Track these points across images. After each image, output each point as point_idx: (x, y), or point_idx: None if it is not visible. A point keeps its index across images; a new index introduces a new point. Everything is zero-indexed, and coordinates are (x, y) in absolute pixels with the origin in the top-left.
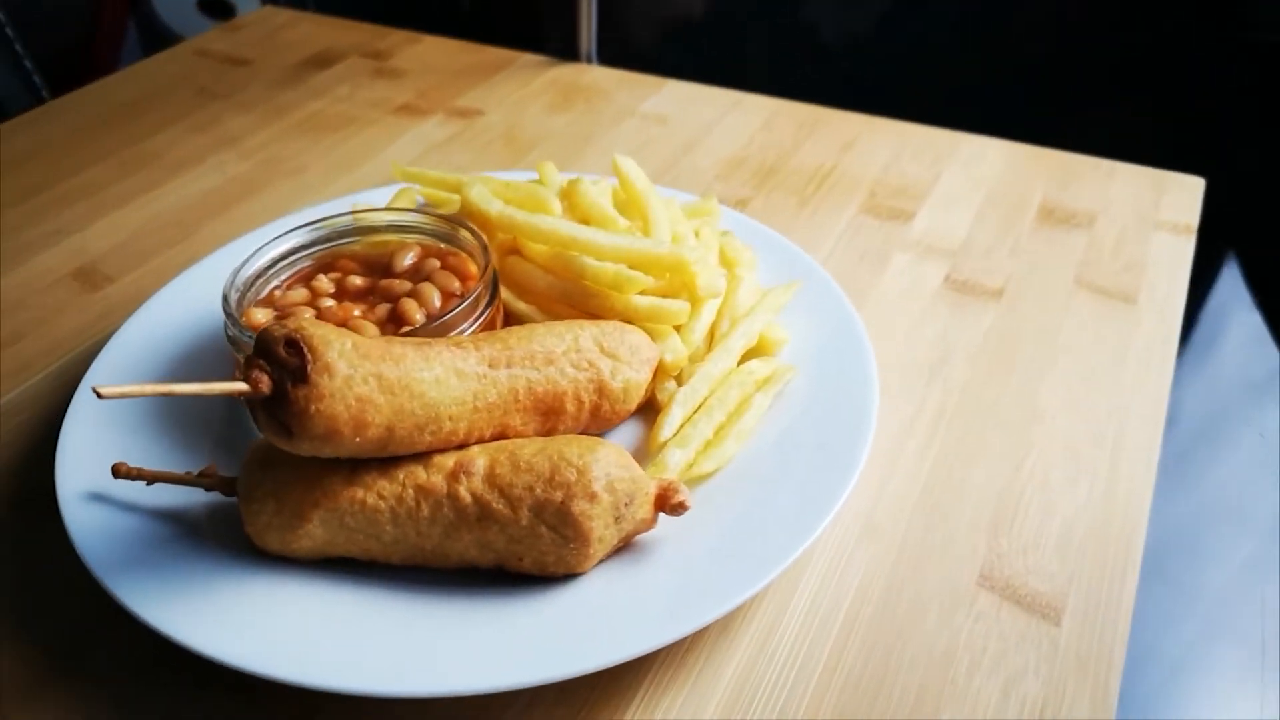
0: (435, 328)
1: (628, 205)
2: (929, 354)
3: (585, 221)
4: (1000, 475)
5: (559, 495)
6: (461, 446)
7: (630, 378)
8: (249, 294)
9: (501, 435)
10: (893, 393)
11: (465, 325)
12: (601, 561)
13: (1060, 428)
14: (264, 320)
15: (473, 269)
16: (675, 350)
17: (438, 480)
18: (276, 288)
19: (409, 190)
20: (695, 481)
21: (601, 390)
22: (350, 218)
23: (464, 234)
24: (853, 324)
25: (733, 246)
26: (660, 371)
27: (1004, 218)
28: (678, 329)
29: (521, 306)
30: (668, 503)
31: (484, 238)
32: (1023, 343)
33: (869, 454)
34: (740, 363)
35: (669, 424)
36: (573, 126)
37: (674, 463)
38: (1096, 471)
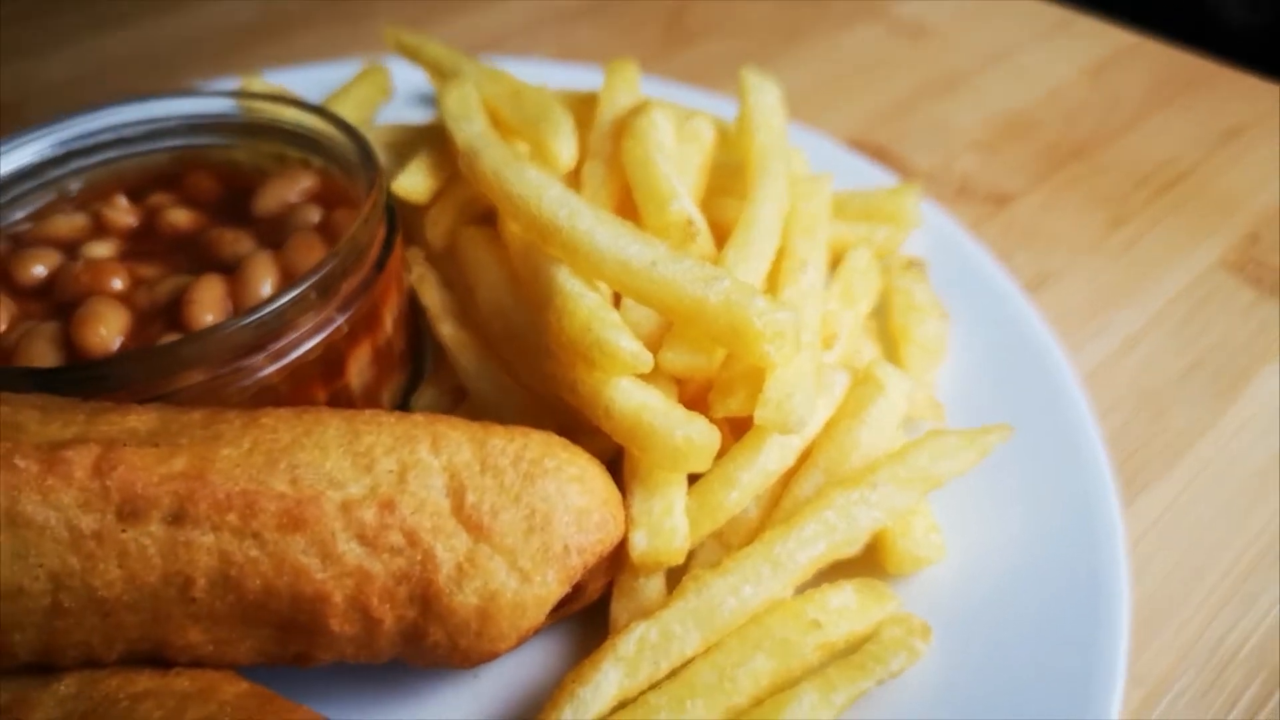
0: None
1: (735, 172)
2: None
3: (620, 191)
4: None
5: None
6: (44, 667)
7: (504, 588)
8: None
9: (158, 655)
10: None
11: (271, 358)
12: None
13: None
14: None
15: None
16: (661, 533)
17: None
18: (64, 199)
19: (379, 72)
20: None
21: (428, 602)
22: (234, 102)
23: (366, 177)
24: (1103, 547)
25: (909, 302)
26: (628, 563)
27: None
28: (695, 478)
29: (446, 332)
30: None
31: (374, 190)
32: None
33: None
34: (805, 587)
35: (575, 708)
36: (782, 14)
37: None
38: None
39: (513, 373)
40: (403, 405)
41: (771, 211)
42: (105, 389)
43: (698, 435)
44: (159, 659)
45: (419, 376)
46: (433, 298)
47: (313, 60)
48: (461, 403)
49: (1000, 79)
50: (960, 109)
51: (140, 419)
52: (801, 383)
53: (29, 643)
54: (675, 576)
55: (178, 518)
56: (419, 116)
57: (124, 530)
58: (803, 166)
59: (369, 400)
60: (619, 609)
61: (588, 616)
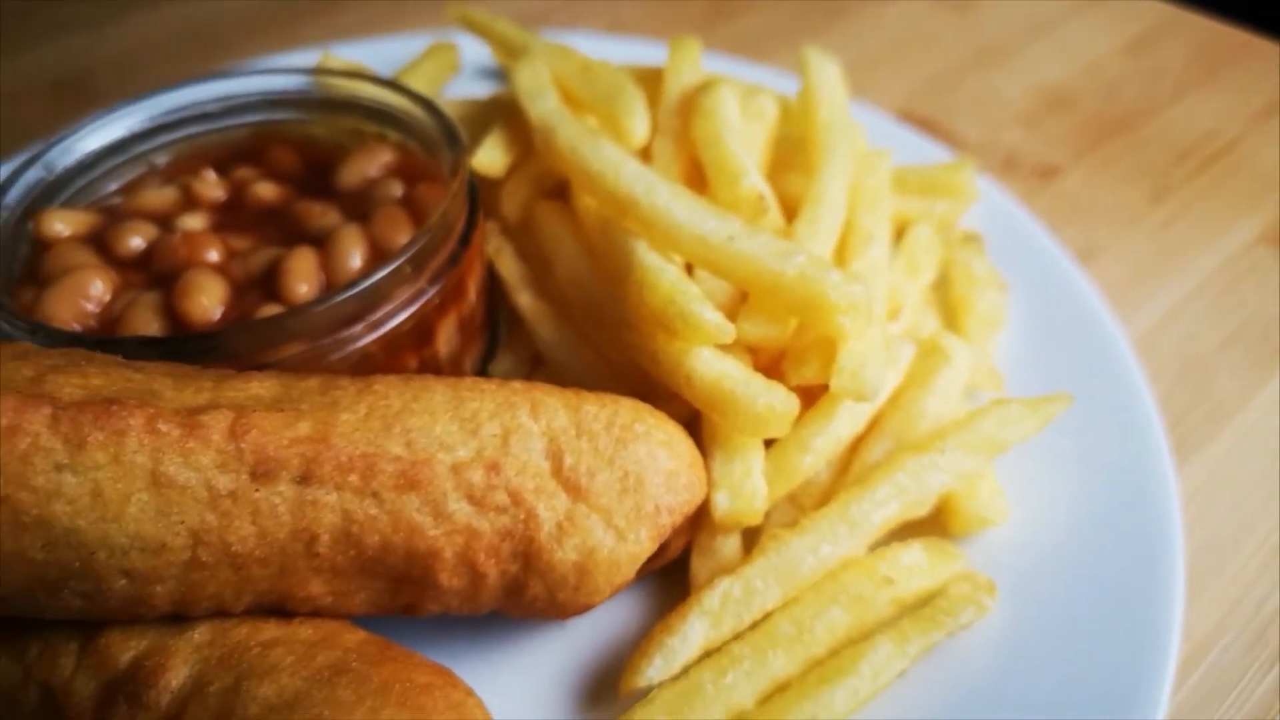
0: (323, 311)
1: (798, 147)
2: None
3: (689, 166)
4: None
5: None
6: (178, 617)
7: (600, 545)
8: (91, 178)
9: (281, 607)
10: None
11: (369, 329)
12: None
13: None
14: (63, 233)
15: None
16: (742, 494)
17: (83, 688)
18: (152, 172)
19: (449, 49)
20: None
21: (529, 558)
22: (311, 78)
23: (448, 153)
24: (1159, 508)
25: (968, 274)
26: (707, 523)
27: None
28: (772, 443)
29: (524, 302)
30: None
31: (459, 168)
32: None
33: None
34: (876, 545)
35: (665, 656)
36: None
37: None
38: None
39: (589, 341)
40: (481, 372)
41: (838, 187)
42: (213, 358)
43: (779, 403)
44: (281, 609)
45: (494, 344)
46: (510, 269)
47: (362, 35)
48: (538, 370)
49: (1043, 52)
50: (1005, 82)
51: (262, 385)
52: (873, 352)
53: (168, 594)
54: (750, 536)
55: (305, 478)
56: (478, 90)
57: (257, 490)
58: (863, 142)
59: (454, 367)
60: (699, 566)
61: (665, 574)
